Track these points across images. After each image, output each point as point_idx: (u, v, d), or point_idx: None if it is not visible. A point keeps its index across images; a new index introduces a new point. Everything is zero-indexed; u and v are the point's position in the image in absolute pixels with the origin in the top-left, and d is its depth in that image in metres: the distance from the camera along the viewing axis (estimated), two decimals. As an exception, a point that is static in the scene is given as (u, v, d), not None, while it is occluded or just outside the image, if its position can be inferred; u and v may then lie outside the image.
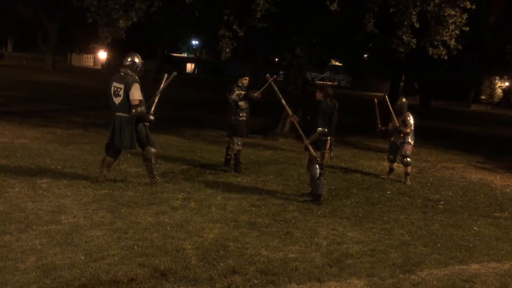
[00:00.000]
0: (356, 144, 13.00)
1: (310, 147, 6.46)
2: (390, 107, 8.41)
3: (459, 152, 13.11)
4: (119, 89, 6.19)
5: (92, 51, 50.32)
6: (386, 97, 8.64)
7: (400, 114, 8.40)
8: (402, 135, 8.37)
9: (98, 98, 19.50)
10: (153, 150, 6.56)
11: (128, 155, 8.49)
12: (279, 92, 7.17)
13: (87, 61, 53.34)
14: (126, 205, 5.59)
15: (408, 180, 8.39)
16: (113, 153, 6.56)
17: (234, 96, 7.88)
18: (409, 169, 8.45)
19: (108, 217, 5.16)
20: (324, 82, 61.94)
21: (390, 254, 4.79)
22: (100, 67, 49.65)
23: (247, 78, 8.22)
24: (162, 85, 6.79)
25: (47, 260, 3.97)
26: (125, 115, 6.23)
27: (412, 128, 8.30)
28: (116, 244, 4.44)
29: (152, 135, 10.83)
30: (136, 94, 6.13)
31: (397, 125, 8.35)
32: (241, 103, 7.91)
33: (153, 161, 6.60)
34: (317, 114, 6.43)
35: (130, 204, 5.64)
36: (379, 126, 8.69)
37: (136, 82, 6.18)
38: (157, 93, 6.74)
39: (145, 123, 6.44)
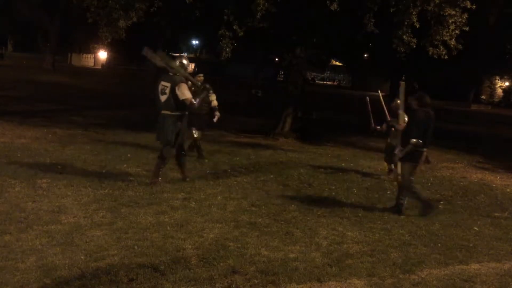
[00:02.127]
0: (356, 144, 12.99)
1: (397, 164, 6.27)
2: (383, 103, 8.42)
3: (459, 152, 13.10)
4: (165, 88, 6.42)
5: (92, 51, 50.33)
6: (379, 92, 8.64)
7: (396, 115, 8.38)
8: (396, 132, 8.35)
9: (99, 98, 19.56)
10: (173, 152, 6.73)
11: (129, 155, 8.50)
12: None
13: (87, 61, 53.36)
14: (126, 205, 5.59)
15: (399, 178, 8.36)
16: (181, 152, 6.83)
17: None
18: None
19: (108, 217, 5.16)
20: (324, 82, 62.03)
21: (390, 254, 4.79)
22: (100, 67, 49.66)
23: (201, 75, 8.76)
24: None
25: (47, 260, 3.97)
26: (169, 112, 6.44)
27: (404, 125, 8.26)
28: (116, 244, 4.44)
29: (150, 135, 10.85)
30: (185, 93, 6.39)
31: (389, 119, 8.37)
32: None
33: (166, 162, 6.73)
34: (412, 124, 6.17)
35: (130, 204, 5.64)
36: (373, 125, 8.67)
37: (183, 81, 6.43)
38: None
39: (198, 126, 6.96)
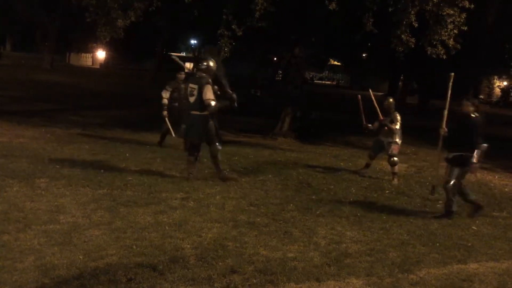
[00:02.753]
0: (355, 144, 13.01)
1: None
2: (375, 102, 8.46)
3: (458, 152, 13.09)
4: (193, 89, 6.82)
5: (91, 51, 50.31)
6: (370, 91, 8.69)
7: (388, 113, 8.46)
8: (388, 130, 8.40)
9: (97, 98, 19.54)
10: (219, 147, 7.15)
11: (127, 155, 8.50)
12: None
13: (86, 60, 53.30)
14: (125, 205, 5.59)
15: (395, 179, 8.41)
16: (194, 152, 7.13)
17: (163, 93, 9.40)
18: (396, 168, 8.48)
19: (106, 216, 5.16)
20: (323, 82, 62.03)
21: (389, 253, 4.79)
22: (98, 67, 49.61)
23: (182, 73, 9.59)
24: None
25: (45, 260, 3.97)
26: (198, 112, 6.83)
27: (398, 126, 8.32)
28: (115, 243, 4.44)
29: (150, 134, 10.87)
30: (208, 94, 6.71)
31: (381, 118, 8.42)
32: (165, 95, 9.38)
33: (219, 157, 7.16)
34: (472, 130, 6.23)
35: (128, 204, 5.64)
36: (365, 123, 8.70)
37: (209, 83, 6.77)
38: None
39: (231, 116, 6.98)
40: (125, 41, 16.77)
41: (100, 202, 5.63)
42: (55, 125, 11.19)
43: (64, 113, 13.92)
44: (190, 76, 7.03)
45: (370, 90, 8.80)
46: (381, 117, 8.45)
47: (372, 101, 8.47)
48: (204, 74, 6.89)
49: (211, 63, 6.99)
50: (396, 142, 8.41)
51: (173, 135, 9.52)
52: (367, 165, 8.85)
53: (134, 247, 4.39)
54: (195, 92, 6.78)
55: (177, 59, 7.22)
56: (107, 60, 50.53)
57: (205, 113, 6.85)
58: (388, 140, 8.49)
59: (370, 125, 8.65)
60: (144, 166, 7.66)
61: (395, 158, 8.43)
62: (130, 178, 6.82)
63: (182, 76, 9.51)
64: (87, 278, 3.71)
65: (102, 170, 7.15)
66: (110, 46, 40.81)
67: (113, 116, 14.02)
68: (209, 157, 7.25)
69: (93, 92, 22.15)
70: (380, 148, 8.71)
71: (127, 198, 5.85)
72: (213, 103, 6.75)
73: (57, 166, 7.15)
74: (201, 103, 6.77)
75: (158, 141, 9.82)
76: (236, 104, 7.13)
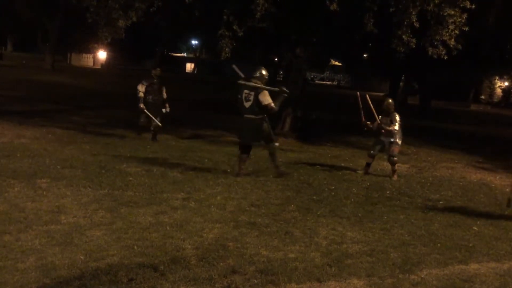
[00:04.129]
0: (356, 144, 12.99)
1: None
2: (371, 104, 8.50)
3: (459, 152, 13.11)
4: (250, 95, 7.41)
5: (92, 51, 50.34)
6: (366, 95, 8.71)
7: (388, 114, 8.52)
8: (387, 132, 8.45)
9: (98, 98, 19.54)
10: (276, 144, 7.83)
11: (128, 155, 8.50)
12: None
13: (87, 60, 53.35)
14: (126, 205, 5.59)
15: (395, 176, 8.59)
16: (246, 151, 7.73)
17: (139, 86, 10.09)
18: (396, 166, 8.65)
19: (107, 217, 5.16)
20: (324, 82, 62.02)
21: (390, 254, 4.79)
22: (99, 67, 49.64)
23: (158, 69, 10.49)
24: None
25: (46, 260, 3.97)
26: (253, 116, 7.40)
27: (398, 127, 8.38)
28: (116, 244, 4.44)
29: (151, 135, 10.86)
30: (267, 98, 7.32)
31: (379, 122, 8.50)
32: (141, 89, 10.11)
33: (276, 154, 7.80)
34: None
35: (129, 204, 5.64)
36: (364, 119, 8.74)
37: (265, 89, 7.38)
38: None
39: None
40: (126, 41, 16.78)
41: (101, 202, 5.64)
42: (56, 125, 11.19)
43: (65, 113, 13.92)
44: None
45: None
46: (378, 120, 8.51)
47: (368, 103, 8.53)
48: (258, 81, 7.48)
49: (264, 72, 7.61)
50: (396, 143, 8.50)
51: (159, 124, 10.20)
52: (368, 165, 8.90)
53: (135, 247, 4.39)
54: (251, 98, 7.37)
55: (237, 69, 7.71)
56: (108, 60, 50.54)
57: (260, 116, 7.43)
58: (388, 140, 8.57)
59: (369, 122, 8.70)
60: (145, 167, 7.67)
61: (395, 158, 8.57)
62: (131, 179, 6.82)
63: (157, 72, 10.36)
64: (88, 279, 3.71)
65: (103, 171, 7.15)
66: (111, 47, 40.81)
67: (114, 116, 14.02)
68: (268, 155, 7.83)
69: (94, 92, 22.16)
70: (380, 148, 8.80)
71: (128, 199, 5.85)
72: (273, 105, 7.34)
73: (58, 167, 7.16)
74: (257, 108, 7.36)
75: (139, 132, 10.45)
76: (286, 95, 7.60)
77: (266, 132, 7.58)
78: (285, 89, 7.61)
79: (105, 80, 30.70)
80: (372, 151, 8.87)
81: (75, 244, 4.36)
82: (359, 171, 8.88)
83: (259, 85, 7.42)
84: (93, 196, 5.84)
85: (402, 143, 8.82)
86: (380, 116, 8.63)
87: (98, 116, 14.04)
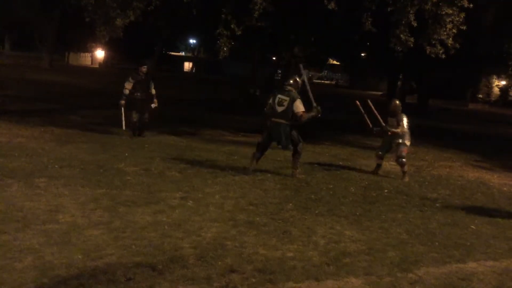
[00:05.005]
0: (354, 143, 13.01)
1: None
2: (374, 109, 8.50)
3: (457, 151, 13.13)
4: (284, 101, 7.61)
5: (90, 50, 50.26)
6: (369, 101, 8.66)
7: (394, 115, 8.48)
8: (394, 134, 8.43)
9: (96, 97, 19.51)
10: (303, 145, 7.99)
11: (126, 154, 8.49)
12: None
13: (85, 60, 53.22)
14: (124, 204, 5.59)
15: (406, 177, 8.51)
16: (262, 150, 7.96)
17: (126, 84, 10.27)
18: (405, 168, 8.55)
19: (105, 216, 5.16)
20: (322, 81, 62.03)
21: (388, 252, 4.79)
22: (97, 66, 49.56)
23: (145, 66, 10.63)
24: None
25: (44, 260, 3.97)
26: (284, 121, 7.60)
27: (405, 129, 8.35)
28: (114, 243, 4.44)
29: (149, 134, 10.92)
30: (301, 107, 7.56)
31: (384, 125, 8.51)
32: (127, 86, 10.27)
33: (301, 156, 8.03)
34: None
35: (127, 203, 5.63)
36: (370, 126, 8.71)
37: (299, 98, 7.63)
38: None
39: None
40: (124, 40, 16.75)
41: (99, 201, 5.63)
42: (54, 125, 11.18)
43: (63, 112, 13.91)
44: (278, 88, 8.01)
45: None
46: (383, 124, 8.48)
47: (372, 109, 8.53)
48: (292, 88, 7.69)
49: (298, 79, 7.91)
50: (405, 144, 8.45)
51: (123, 127, 10.49)
52: (378, 166, 8.84)
53: (133, 246, 4.39)
54: (286, 104, 7.57)
55: (302, 69, 8.29)
56: (106, 59, 50.49)
57: (289, 122, 7.61)
58: (396, 141, 8.51)
59: (375, 128, 8.66)
60: (143, 166, 7.66)
61: (404, 160, 8.47)
62: (129, 178, 6.82)
63: (144, 69, 10.49)
64: (86, 278, 3.71)
65: (101, 170, 7.14)
66: (109, 46, 40.75)
67: (112, 115, 13.98)
68: (293, 154, 7.94)
69: (92, 91, 22.13)
70: (388, 148, 8.74)
71: (126, 198, 5.85)
72: (304, 115, 7.56)
73: (56, 166, 7.15)
74: (289, 114, 7.54)
75: (132, 133, 10.49)
76: (319, 115, 7.87)
77: (294, 136, 7.80)
78: (319, 108, 7.82)
79: (103, 79, 30.65)
80: (380, 152, 8.81)
81: (73, 244, 4.35)
82: (370, 171, 8.78)
83: (294, 94, 7.64)
84: (91, 195, 5.83)
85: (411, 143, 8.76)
86: (387, 118, 8.59)
87: (96, 115, 14.03)
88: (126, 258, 4.13)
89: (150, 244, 4.47)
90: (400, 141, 8.45)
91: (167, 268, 3.98)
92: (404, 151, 8.45)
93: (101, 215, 5.18)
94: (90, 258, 4.06)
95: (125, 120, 10.44)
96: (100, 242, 4.43)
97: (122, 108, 10.43)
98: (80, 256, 4.08)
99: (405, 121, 8.38)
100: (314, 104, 7.84)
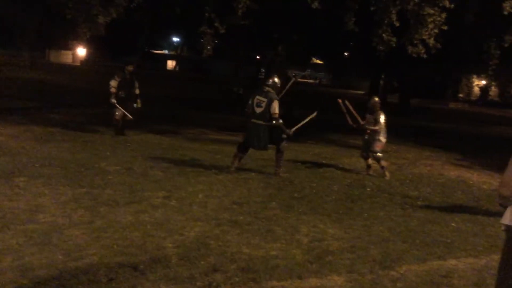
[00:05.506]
0: (337, 142, 13.09)
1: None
2: (351, 109, 8.63)
3: (437, 150, 13.30)
4: (262, 102, 7.62)
5: (71, 48, 49.61)
6: (346, 101, 8.76)
7: (373, 112, 8.59)
8: (371, 131, 8.54)
9: (77, 96, 19.28)
10: (286, 144, 7.99)
11: (108, 153, 8.41)
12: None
13: (66, 57, 52.50)
14: (106, 204, 5.53)
15: (387, 173, 8.60)
16: (244, 150, 7.93)
17: (112, 82, 10.19)
18: (382, 162, 8.65)
19: (87, 216, 5.10)
20: (306, 80, 62.26)
21: (370, 250, 4.83)
22: (79, 64, 48.96)
23: (132, 65, 10.74)
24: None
25: (24, 260, 3.90)
26: (262, 122, 7.60)
27: (382, 126, 8.46)
28: (95, 243, 4.39)
29: (132, 132, 10.81)
30: (276, 108, 7.54)
31: (362, 123, 8.63)
32: (113, 84, 10.19)
33: (284, 155, 8.01)
34: None
35: (109, 203, 5.58)
36: (351, 123, 8.81)
37: (277, 99, 7.64)
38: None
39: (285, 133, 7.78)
40: (106, 38, 16.58)
41: (80, 201, 5.56)
42: (34, 123, 11.01)
43: (44, 111, 13.69)
44: (257, 89, 8.03)
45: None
46: (361, 121, 8.60)
47: (349, 108, 8.63)
48: (271, 89, 7.70)
49: (276, 80, 7.89)
50: (379, 140, 8.55)
51: (131, 117, 10.33)
52: (368, 166, 8.90)
53: (115, 246, 4.34)
54: (263, 105, 7.58)
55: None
56: (87, 57, 49.90)
57: (268, 123, 7.60)
58: (373, 137, 8.62)
59: (356, 124, 8.77)
60: (125, 165, 7.59)
61: (379, 154, 8.58)
62: (110, 177, 6.75)
63: (130, 68, 10.50)
64: (67, 279, 3.66)
65: (82, 169, 7.06)
66: (90, 43, 40.27)
67: (93, 114, 13.85)
68: (276, 152, 7.92)
69: (73, 89, 21.85)
70: (369, 147, 8.83)
71: (107, 197, 5.79)
72: (279, 119, 7.55)
73: (36, 165, 7.04)
74: (267, 115, 7.54)
75: (116, 132, 10.44)
76: (288, 136, 7.87)
77: (276, 135, 7.76)
78: (292, 134, 7.83)
79: (84, 77, 30.29)
80: (364, 153, 8.89)
81: (54, 244, 4.29)
82: (363, 173, 8.84)
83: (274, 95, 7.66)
84: (72, 195, 5.76)
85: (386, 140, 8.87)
86: (366, 115, 8.70)
87: (78, 114, 13.85)
88: (108, 258, 4.09)
89: (132, 244, 4.43)
90: (376, 137, 8.56)
91: (149, 268, 3.95)
92: (378, 146, 8.57)
93: (82, 214, 5.12)
94: (71, 258, 4.01)
95: (125, 110, 10.27)
96: (81, 242, 4.38)
97: (117, 105, 10.26)
98: (60, 257, 4.03)
99: (382, 118, 8.51)
100: (292, 130, 7.84)
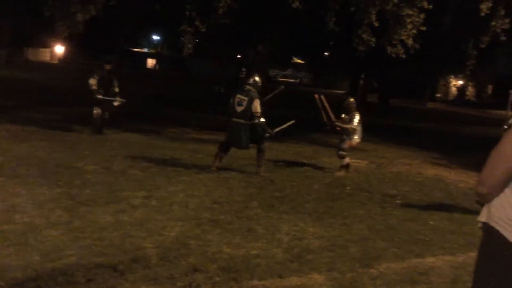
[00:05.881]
0: (317, 141, 13.15)
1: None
2: (327, 106, 8.68)
3: (416, 149, 13.48)
4: (243, 101, 7.60)
5: (49, 45, 48.84)
6: (322, 96, 8.84)
7: (348, 112, 8.67)
8: (343, 130, 8.62)
9: (55, 94, 18.98)
10: (267, 144, 8.03)
11: (86, 152, 8.30)
12: None
13: (44, 55, 51.66)
14: (84, 204, 5.46)
15: (342, 171, 8.65)
16: (225, 150, 7.89)
17: (91, 80, 10.14)
18: (344, 161, 8.70)
19: (65, 216, 5.02)
20: (287, 80, 62.44)
21: (350, 248, 4.87)
22: (57, 62, 48.21)
23: (110, 64, 10.67)
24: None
25: (0, 261, 3.82)
26: (244, 121, 7.57)
27: (355, 126, 8.51)
28: (73, 244, 4.32)
29: (111, 131, 10.70)
30: (258, 107, 7.52)
31: (334, 120, 8.69)
32: (93, 82, 10.16)
33: (265, 154, 8.02)
34: None
35: (88, 203, 5.50)
36: (325, 120, 8.87)
37: (258, 98, 7.61)
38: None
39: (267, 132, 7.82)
40: (85, 35, 16.35)
41: (58, 201, 5.47)
42: (10, 122, 10.78)
43: (20, 109, 13.43)
44: (238, 88, 8.04)
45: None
46: (334, 119, 8.66)
47: (324, 104, 8.70)
48: (252, 88, 7.69)
49: (257, 78, 7.87)
50: (351, 138, 8.60)
51: (118, 101, 10.35)
52: (342, 166, 8.96)
53: (94, 247, 4.29)
54: (244, 104, 7.56)
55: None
56: (66, 55, 49.19)
57: (250, 122, 7.60)
58: (345, 135, 8.70)
59: (327, 125, 8.84)
60: (104, 164, 7.50)
61: (343, 153, 8.63)
62: (89, 177, 6.66)
63: (108, 67, 10.47)
64: (44, 280, 3.60)
65: (60, 168, 6.95)
66: (69, 41, 39.68)
67: (71, 112, 13.65)
68: (257, 152, 7.92)
69: (51, 88, 21.50)
70: (339, 144, 8.92)
71: (86, 197, 5.71)
72: (260, 119, 7.56)
73: (13, 164, 6.90)
74: (248, 114, 7.54)
75: (92, 130, 10.34)
76: (271, 135, 7.94)
77: (257, 135, 7.79)
78: (273, 133, 7.92)
79: (62, 76, 29.85)
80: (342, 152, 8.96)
81: (31, 245, 4.21)
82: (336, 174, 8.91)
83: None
84: (49, 195, 5.66)
85: (361, 140, 8.96)
86: (342, 115, 8.76)
87: (55, 112, 13.63)
88: (86, 258, 4.03)
89: (111, 244, 4.38)
90: (348, 136, 8.61)
91: (129, 268, 3.91)
92: (347, 144, 8.61)
93: (60, 215, 5.04)
94: (49, 259, 3.94)
95: (104, 110, 10.30)
96: (59, 243, 4.30)
97: (103, 97, 10.24)
98: (38, 258, 3.96)
99: (356, 118, 8.55)
100: (274, 131, 7.95)
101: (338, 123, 8.63)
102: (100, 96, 10.17)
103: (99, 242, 4.41)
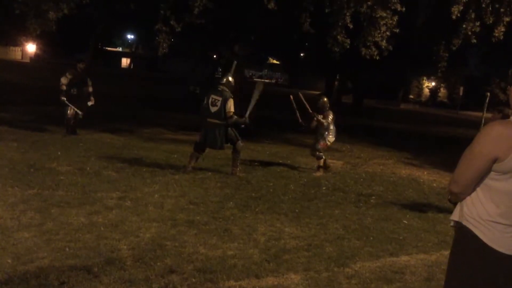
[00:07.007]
0: (293, 142, 13.22)
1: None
2: (305, 102, 8.74)
3: (390, 149, 13.69)
4: (217, 101, 7.60)
5: (20, 44, 47.73)
6: (300, 94, 8.94)
7: (322, 112, 8.79)
8: (319, 124, 8.71)
9: (26, 93, 18.56)
10: (242, 144, 7.99)
11: (59, 153, 8.14)
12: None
13: (15, 54, 50.54)
14: (57, 205, 5.35)
15: (320, 171, 8.78)
16: (200, 150, 7.86)
17: (62, 79, 10.00)
18: (320, 162, 8.86)
19: (37, 218, 4.91)
20: (262, 80, 62.53)
21: (326, 248, 4.91)
22: (28, 61, 47.15)
23: (83, 62, 10.63)
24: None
25: (-31, 266, 3.72)
26: (218, 121, 7.58)
27: (330, 122, 8.62)
28: (46, 246, 4.24)
29: (85, 132, 10.53)
30: (232, 106, 7.56)
31: (311, 112, 8.79)
32: (64, 81, 10.00)
33: (240, 154, 8.03)
34: None
35: (61, 204, 5.40)
36: (300, 121, 8.98)
37: (231, 97, 7.64)
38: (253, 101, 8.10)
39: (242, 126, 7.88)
40: (57, 34, 16.02)
41: (30, 202, 5.35)
42: (-21, 122, 10.51)
43: (-10, 109, 13.10)
44: (212, 88, 7.99)
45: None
46: (311, 111, 8.78)
47: (298, 104, 8.79)
48: (225, 88, 7.71)
49: (231, 78, 7.89)
50: (325, 139, 8.73)
51: (80, 114, 10.15)
52: (319, 166, 9.03)
53: (67, 249, 4.21)
54: (218, 104, 7.57)
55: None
56: (37, 53, 48.16)
57: (224, 122, 7.60)
58: (319, 135, 8.81)
59: (304, 122, 8.93)
60: (77, 165, 7.37)
61: (320, 153, 8.78)
62: (62, 178, 6.53)
63: (82, 66, 10.35)
64: (16, 283, 3.51)
65: (32, 169, 6.81)
66: (41, 39, 38.87)
67: (43, 112, 13.38)
68: (232, 152, 7.95)
69: (22, 87, 21.02)
70: (313, 144, 9.02)
71: (59, 199, 5.60)
72: (234, 117, 7.58)
73: (-18, 166, 6.72)
74: (222, 114, 7.54)
75: (66, 131, 10.17)
76: (245, 125, 7.94)
77: (231, 135, 7.83)
78: (247, 120, 7.90)
79: (34, 75, 29.22)
80: (313, 151, 9.05)
81: (2, 247, 4.11)
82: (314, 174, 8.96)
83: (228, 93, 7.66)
84: (21, 196, 5.53)
85: (336, 140, 9.07)
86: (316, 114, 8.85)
87: (26, 112, 13.34)
88: (60, 261, 3.95)
89: (85, 246, 4.30)
90: (323, 135, 8.73)
91: (103, 270, 3.85)
92: (321, 144, 8.77)
93: (32, 216, 4.93)
94: (21, 262, 3.85)
95: (76, 108, 10.09)
96: (31, 245, 4.21)
97: (67, 102, 10.02)
98: (9, 260, 3.86)
99: (330, 117, 8.72)
100: (247, 114, 7.91)
101: (315, 115, 8.72)
102: (63, 98, 9.96)
103: (72, 244, 4.33)
